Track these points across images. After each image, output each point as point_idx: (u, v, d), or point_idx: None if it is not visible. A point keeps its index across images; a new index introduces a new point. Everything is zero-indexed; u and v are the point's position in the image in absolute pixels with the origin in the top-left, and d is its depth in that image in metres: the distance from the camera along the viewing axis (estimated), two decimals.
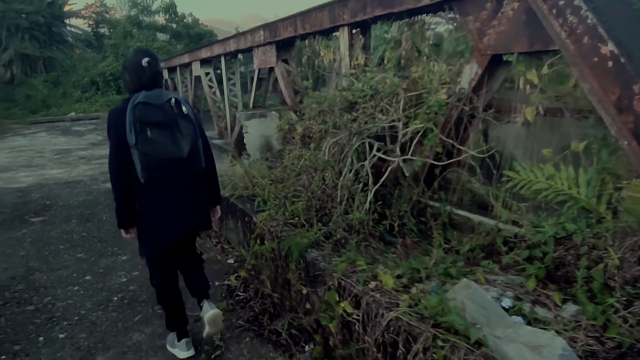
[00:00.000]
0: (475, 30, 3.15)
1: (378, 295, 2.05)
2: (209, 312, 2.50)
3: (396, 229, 3.24)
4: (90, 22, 30.42)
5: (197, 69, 10.54)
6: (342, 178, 3.43)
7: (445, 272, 2.48)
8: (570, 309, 2.13)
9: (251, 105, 7.83)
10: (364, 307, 2.05)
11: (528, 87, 2.97)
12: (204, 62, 10.21)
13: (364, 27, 4.80)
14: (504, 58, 3.06)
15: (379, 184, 3.25)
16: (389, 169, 3.31)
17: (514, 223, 2.79)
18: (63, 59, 25.81)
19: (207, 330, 2.53)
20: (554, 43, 2.71)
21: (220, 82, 10.05)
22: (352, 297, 2.16)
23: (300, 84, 6.55)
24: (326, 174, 3.50)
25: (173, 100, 2.24)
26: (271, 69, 7.39)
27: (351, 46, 4.87)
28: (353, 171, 3.46)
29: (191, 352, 2.59)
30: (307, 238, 2.75)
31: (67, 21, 28.37)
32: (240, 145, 7.85)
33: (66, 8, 27.71)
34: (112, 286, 3.47)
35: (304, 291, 2.63)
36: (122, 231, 2.42)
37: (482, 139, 3.40)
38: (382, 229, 3.24)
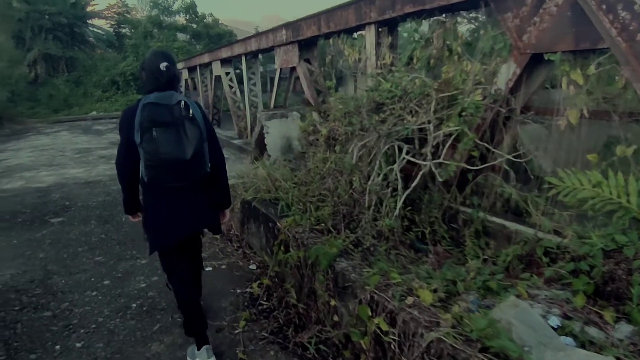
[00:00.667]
0: (514, 28, 2.95)
1: (416, 312, 1.89)
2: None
3: (427, 236, 3.06)
4: (112, 23, 30.85)
5: (217, 69, 10.50)
6: (370, 182, 3.27)
7: (484, 285, 2.30)
8: (624, 329, 1.94)
9: (272, 105, 7.73)
10: (401, 325, 1.89)
11: (572, 87, 2.78)
12: (225, 61, 10.16)
13: (392, 25, 4.63)
14: (546, 57, 2.86)
15: (410, 189, 3.08)
16: (420, 173, 3.14)
17: (555, 233, 2.60)
18: (85, 59, 26.19)
19: None
20: (602, 41, 2.51)
21: (240, 82, 9.99)
22: (387, 313, 2.00)
23: (322, 84, 6.41)
24: (354, 178, 3.34)
25: (183, 103, 2.27)
26: (292, 69, 7.27)
27: (378, 45, 4.70)
28: (382, 175, 3.30)
29: (213, 358, 2.47)
30: (336, 247, 2.59)
31: (89, 21, 28.80)
32: (260, 146, 7.74)
33: (88, 9, 28.13)
34: (130, 292, 3.37)
35: (332, 303, 2.48)
36: (129, 216, 2.56)
37: (518, 142, 3.21)
38: (412, 236, 3.07)
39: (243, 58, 8.86)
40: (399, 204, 3.05)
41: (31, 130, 17.12)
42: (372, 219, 3.09)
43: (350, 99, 4.04)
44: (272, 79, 9.15)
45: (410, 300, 1.97)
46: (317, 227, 3.16)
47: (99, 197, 6.28)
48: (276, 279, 3.19)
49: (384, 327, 1.95)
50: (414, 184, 3.11)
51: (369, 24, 4.74)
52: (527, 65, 2.92)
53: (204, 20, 28.46)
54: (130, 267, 3.81)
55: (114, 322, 2.98)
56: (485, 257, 2.77)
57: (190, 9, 28.73)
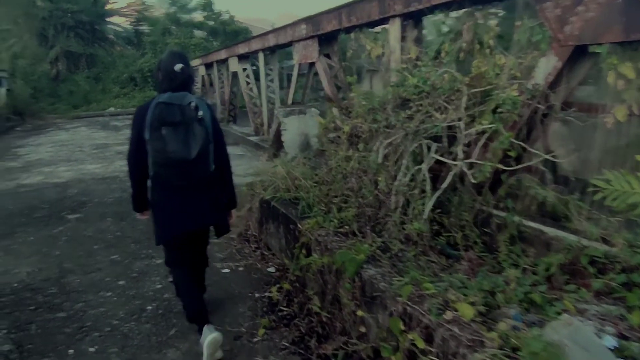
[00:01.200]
0: (555, 19, 2.73)
1: (456, 329, 1.71)
2: (209, 336, 2.39)
3: (459, 241, 2.87)
4: (131, 20, 31.10)
5: (234, 65, 10.40)
6: (397, 183, 3.09)
7: (526, 297, 2.11)
8: None
9: (290, 101, 7.58)
10: (439, 342, 1.71)
11: (620, 82, 2.56)
12: (242, 57, 10.04)
13: (417, 18, 4.43)
14: (590, 49, 2.64)
15: (440, 190, 2.89)
16: (451, 174, 2.95)
17: (602, 241, 2.39)
18: (104, 56, 26.46)
19: (205, 356, 2.39)
20: None
21: (257, 78, 9.87)
22: (422, 328, 1.82)
23: (343, 80, 6.23)
24: (379, 178, 3.16)
25: (193, 104, 2.34)
26: (311, 64, 7.10)
27: (402, 39, 4.50)
28: (409, 175, 3.12)
29: (215, 333, 2.42)
30: (363, 252, 2.42)
31: (108, 19, 29.09)
32: (277, 143, 7.60)
33: (108, 6, 28.40)
34: (145, 293, 3.26)
35: (359, 313, 2.32)
36: (137, 214, 2.66)
37: (556, 141, 3.00)
38: (442, 241, 2.88)
39: (261, 54, 8.72)
40: (429, 206, 2.86)
41: (51, 126, 17.32)
42: (399, 222, 2.92)
43: (374, 94, 3.85)
44: (289, 76, 9.00)
45: (449, 315, 1.79)
46: (341, 229, 2.99)
47: (115, 193, 6.22)
48: (297, 284, 3.04)
49: (420, 345, 1.78)
50: (444, 185, 2.92)
51: (394, 17, 4.54)
52: (569, 59, 2.70)
53: (221, 17, 28.49)
54: (146, 266, 3.71)
55: (128, 325, 2.87)
56: (524, 265, 2.57)
57: (207, 6, 28.78)
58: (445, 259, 2.79)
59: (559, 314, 1.97)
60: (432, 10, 3.97)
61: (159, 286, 3.35)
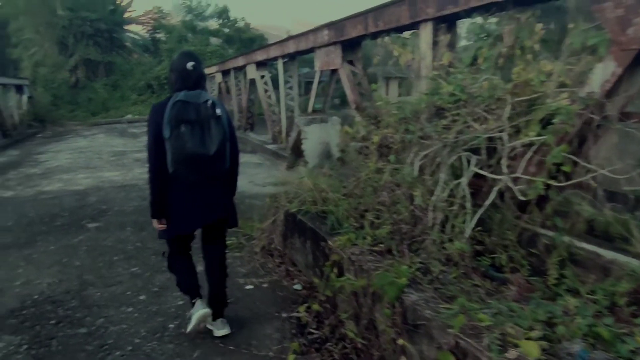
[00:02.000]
0: (616, 20, 2.52)
1: None
2: (219, 331, 2.70)
3: (503, 263, 2.66)
4: (148, 28, 31.50)
5: (252, 72, 10.32)
6: (434, 198, 2.90)
7: (590, 330, 1.89)
8: None
9: (310, 109, 7.44)
10: None
11: None
12: (260, 64, 9.96)
13: (451, 22, 4.25)
14: None
15: (484, 207, 2.69)
16: (495, 189, 2.74)
17: None
18: (122, 64, 26.80)
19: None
20: None
21: (275, 86, 9.78)
22: None
23: (367, 87, 6.06)
24: (415, 193, 2.97)
25: (210, 102, 2.42)
26: (333, 71, 6.95)
27: (435, 44, 4.32)
28: (447, 190, 2.92)
29: (206, 309, 2.68)
30: (403, 275, 2.23)
31: (126, 27, 29.50)
32: (297, 152, 7.45)
33: (126, 15, 28.81)
34: (168, 310, 3.11)
35: (400, 342, 2.12)
36: (154, 221, 2.59)
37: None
38: (485, 262, 2.67)
39: (280, 60, 8.62)
40: (471, 224, 2.66)
41: (70, 133, 17.51)
42: (438, 240, 2.72)
43: (406, 103, 3.67)
44: (306, 83, 8.84)
45: (513, 354, 1.59)
46: (375, 247, 2.81)
47: (134, 202, 6.13)
48: (327, 305, 2.86)
49: None
50: (488, 202, 2.72)
51: (425, 21, 4.36)
52: (630, 64, 2.49)
53: (236, 25, 28.66)
54: (167, 280, 3.55)
55: (150, 344, 2.72)
56: (570, 288, 2.35)
57: (223, 14, 29.01)
58: (489, 282, 2.59)
59: (633, 352, 1.76)
60: (469, 13, 3.78)
61: (180, 302, 3.20)
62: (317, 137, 6.59)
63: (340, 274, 2.78)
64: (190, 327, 2.66)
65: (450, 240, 2.69)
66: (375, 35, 5.26)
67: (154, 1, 59.36)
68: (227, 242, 4.15)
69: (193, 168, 2.41)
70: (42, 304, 3.28)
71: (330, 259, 2.87)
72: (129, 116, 22.12)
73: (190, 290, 2.75)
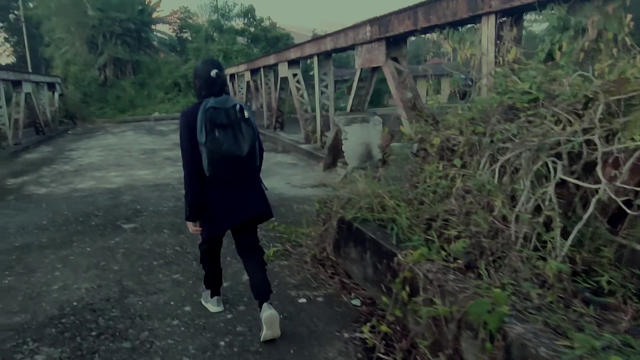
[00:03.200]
0: None
1: None
2: (267, 312, 2.62)
3: (604, 285, 2.31)
4: (175, 28, 31.76)
5: (284, 70, 10.09)
6: (519, 208, 2.58)
7: None
8: None
9: (349, 108, 7.15)
10: None
11: None
12: (292, 63, 9.73)
13: (516, 14, 3.90)
14: None
15: (583, 221, 2.35)
16: (594, 200, 2.40)
17: None
18: (149, 62, 27.07)
19: (264, 332, 2.61)
20: None
21: (308, 84, 9.54)
22: None
23: (412, 86, 5.74)
24: (495, 202, 2.65)
25: (237, 106, 2.58)
26: (374, 69, 6.66)
27: (498, 39, 3.98)
28: (532, 200, 2.59)
29: (220, 308, 3.01)
30: (501, 300, 1.92)
31: (153, 27, 29.79)
32: (334, 152, 7.18)
33: (154, 15, 29.08)
34: (216, 324, 2.86)
35: None
36: (190, 224, 2.73)
37: None
38: (582, 285, 2.33)
39: (315, 58, 8.36)
40: (569, 240, 2.32)
41: (100, 130, 17.68)
42: (526, 257, 2.40)
43: (480, 102, 3.34)
44: (336, 82, 8.54)
45: None
46: (452, 264, 2.50)
47: (169, 202, 5.95)
48: (396, 326, 2.56)
49: None
50: (587, 215, 2.37)
51: (488, 14, 4.03)
52: None
53: (262, 24, 28.61)
54: None
55: None
56: None
57: (249, 13, 28.99)
58: (588, 307, 2.25)
59: None
60: (543, 4, 3.44)
61: (229, 316, 2.95)
62: (357, 137, 6.32)
63: (412, 292, 2.48)
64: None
65: (541, 257, 2.36)
66: (425, 31, 4.94)
67: (181, 1, 59.99)
68: (273, 250, 3.95)
69: (229, 168, 2.54)
70: (82, 312, 3.08)
71: (399, 275, 2.57)
72: (156, 114, 22.28)
73: (215, 288, 3.05)
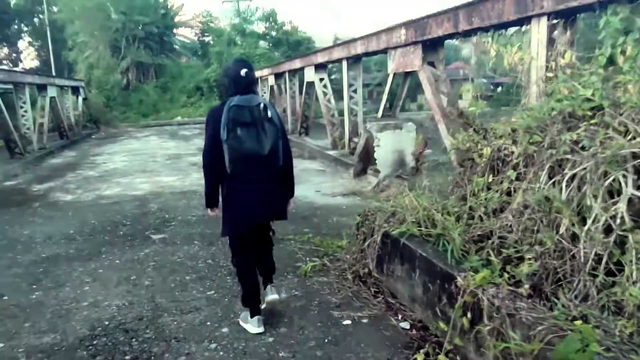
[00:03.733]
0: None
1: None
2: (270, 297, 2.91)
3: None
4: (197, 32, 32.00)
5: (310, 75, 9.94)
6: (589, 226, 2.34)
7: None
8: None
9: (380, 114, 6.94)
10: None
11: None
12: (319, 67, 9.57)
13: (571, 15, 3.65)
14: None
15: None
16: None
17: None
18: (171, 66, 27.31)
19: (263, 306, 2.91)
20: None
21: (335, 89, 9.35)
22: None
23: (450, 91, 5.51)
24: (563, 219, 2.41)
25: (262, 105, 2.61)
26: (407, 74, 6.45)
27: (550, 42, 3.73)
28: (604, 218, 2.35)
29: (261, 329, 2.82)
30: (590, 338, 1.69)
31: (175, 31, 30.09)
32: (364, 159, 6.97)
33: (176, 19, 29.38)
34: (257, 349, 2.68)
35: None
36: (209, 210, 2.88)
37: None
38: None
39: (344, 62, 8.17)
40: None
41: (123, 134, 17.84)
42: (600, 282, 2.16)
43: (538, 109, 3.10)
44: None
45: None
46: (517, 288, 2.27)
47: (197, 211, 5.83)
48: (456, 356, 2.34)
49: None
50: None
51: (538, 15, 3.78)
52: None
53: (283, 27, 28.60)
54: None
55: None
56: None
57: (271, 17, 29.02)
58: None
59: None
60: (603, 4, 3.19)
61: (270, 340, 2.77)
62: (390, 144, 6.11)
63: (474, 319, 2.26)
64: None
65: (615, 284, 2.12)
66: (467, 34, 4.71)
67: (203, 5, 60.68)
68: (310, 265, 3.76)
69: (249, 166, 2.60)
70: (114, 332, 2.94)
71: (458, 300, 2.35)
72: (179, 118, 22.41)
73: (254, 306, 2.87)
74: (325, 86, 9.59)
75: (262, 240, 2.97)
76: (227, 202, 2.73)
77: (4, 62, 34.31)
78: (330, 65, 11.91)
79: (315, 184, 6.96)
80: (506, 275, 2.39)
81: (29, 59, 38.18)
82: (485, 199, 3.12)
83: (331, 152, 8.80)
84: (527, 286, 2.29)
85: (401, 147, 6.11)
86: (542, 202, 2.64)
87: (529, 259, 2.42)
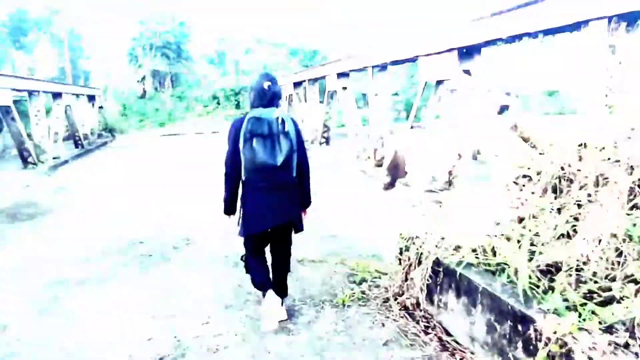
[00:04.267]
0: None
1: None
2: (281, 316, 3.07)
3: None
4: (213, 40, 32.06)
5: (332, 83, 9.65)
6: None
7: None
8: None
9: (410, 124, 6.60)
10: None
11: None
12: (342, 75, 9.27)
13: (636, 19, 3.29)
14: None
15: None
16: None
17: None
18: (188, 75, 27.34)
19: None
20: None
21: (358, 98, 9.05)
22: None
23: None
24: None
25: (280, 118, 2.76)
26: (438, 82, 6.11)
27: (610, 47, 3.37)
28: None
29: (277, 300, 3.05)
30: None
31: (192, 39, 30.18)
32: (393, 172, 6.64)
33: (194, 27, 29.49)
34: None
35: None
36: (226, 217, 3.10)
37: None
38: None
39: (370, 70, 7.86)
40: None
41: (139, 143, 17.70)
42: None
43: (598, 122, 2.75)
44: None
45: None
46: (611, 335, 1.91)
47: (219, 230, 5.47)
48: None
49: None
50: None
51: (597, 19, 3.43)
52: None
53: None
54: (286, 347, 2.82)
55: None
56: None
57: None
58: None
59: None
60: None
61: None
62: (421, 156, 5.75)
63: None
64: (264, 324, 3.03)
65: None
66: (511, 39, 4.36)
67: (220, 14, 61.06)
68: (349, 293, 3.43)
69: (262, 176, 2.77)
70: None
71: (539, 347, 2.00)
72: (195, 127, 22.31)
73: (263, 286, 3.09)
74: (348, 95, 9.28)
75: (279, 250, 3.15)
76: (244, 206, 2.91)
77: (20, 69, 34.78)
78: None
79: (340, 197, 6.61)
80: (596, 318, 2.04)
81: (46, 68, 38.66)
82: (548, 222, 2.76)
83: (356, 164, 8.46)
84: (624, 333, 1.94)
85: (433, 159, 5.75)
86: (628, 229, 2.28)
87: (622, 298, 2.06)
